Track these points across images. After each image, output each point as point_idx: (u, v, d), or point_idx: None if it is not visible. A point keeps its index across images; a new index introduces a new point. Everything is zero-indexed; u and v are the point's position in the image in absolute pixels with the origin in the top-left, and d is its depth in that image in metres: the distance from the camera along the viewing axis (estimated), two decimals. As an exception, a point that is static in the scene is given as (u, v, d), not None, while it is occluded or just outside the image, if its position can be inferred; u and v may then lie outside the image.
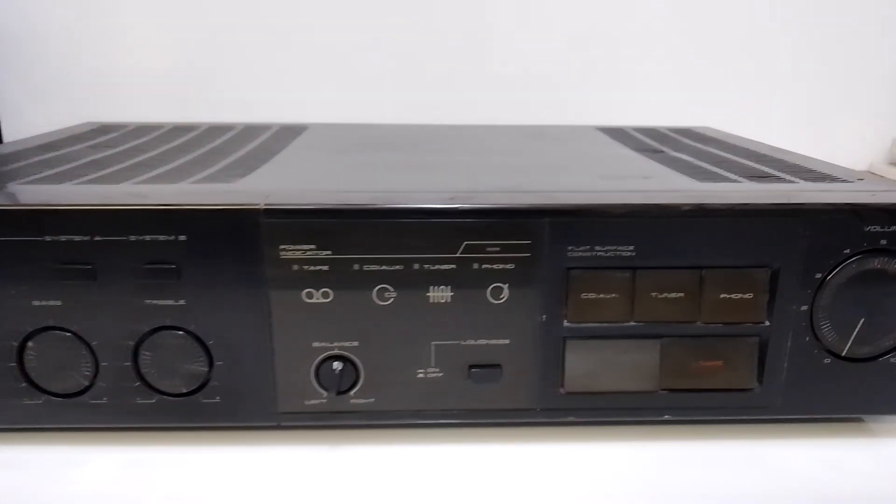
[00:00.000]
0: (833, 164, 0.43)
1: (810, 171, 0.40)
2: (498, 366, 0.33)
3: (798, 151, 0.48)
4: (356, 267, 0.31)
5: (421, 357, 0.33)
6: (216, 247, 0.30)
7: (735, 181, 0.37)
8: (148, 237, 0.30)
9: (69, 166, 0.40)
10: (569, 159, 0.45)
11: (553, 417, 0.34)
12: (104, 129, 0.56)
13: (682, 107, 0.77)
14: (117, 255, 0.30)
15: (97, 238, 0.30)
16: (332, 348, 0.32)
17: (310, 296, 0.31)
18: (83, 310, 0.31)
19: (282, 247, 0.31)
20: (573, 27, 0.72)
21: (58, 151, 0.45)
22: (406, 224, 0.31)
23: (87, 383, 0.32)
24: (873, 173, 0.81)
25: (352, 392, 0.33)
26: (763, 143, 0.52)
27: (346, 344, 0.32)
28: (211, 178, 0.36)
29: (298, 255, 0.31)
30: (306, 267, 0.31)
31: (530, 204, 0.31)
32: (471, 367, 0.33)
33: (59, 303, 0.31)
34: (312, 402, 0.33)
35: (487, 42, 0.72)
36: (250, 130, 0.56)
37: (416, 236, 0.31)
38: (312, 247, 0.31)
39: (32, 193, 0.33)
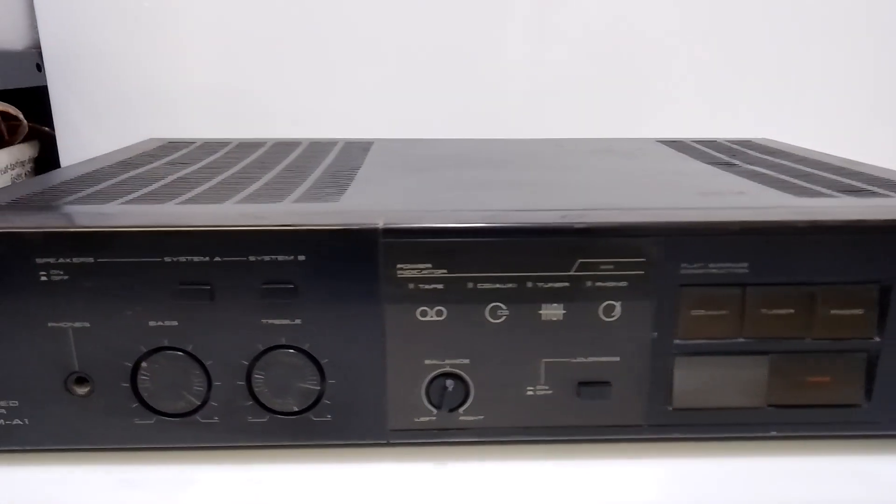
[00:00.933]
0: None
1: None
2: (607, 383, 0.33)
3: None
4: (470, 285, 0.31)
5: (531, 374, 0.33)
6: (334, 266, 0.31)
7: (830, 196, 0.37)
8: (267, 257, 0.30)
9: (158, 185, 0.40)
10: (651, 174, 0.45)
11: (661, 433, 0.34)
12: (172, 146, 0.57)
13: (716, 117, 0.77)
14: (235, 275, 0.31)
15: (217, 259, 0.30)
16: (444, 365, 0.32)
17: (424, 314, 0.32)
18: (199, 329, 0.31)
19: (399, 266, 0.31)
20: (598, 36, 0.73)
21: (138, 170, 0.46)
22: (520, 242, 0.31)
23: (198, 402, 0.32)
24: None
25: (461, 409, 0.33)
26: (831, 155, 0.52)
27: (457, 361, 0.32)
28: (310, 197, 0.37)
29: (415, 273, 0.31)
30: (422, 286, 0.31)
31: (645, 221, 0.31)
32: (580, 384, 0.33)
33: (175, 323, 0.31)
34: (422, 419, 0.33)
35: (507, 50, 0.73)
36: (317, 146, 0.57)
37: (530, 254, 0.31)
38: (428, 265, 0.31)
39: (145, 215, 0.33)
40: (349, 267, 0.31)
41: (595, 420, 0.33)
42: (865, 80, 0.77)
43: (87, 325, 0.31)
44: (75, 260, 0.30)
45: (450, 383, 0.32)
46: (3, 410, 0.32)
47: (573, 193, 0.40)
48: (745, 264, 0.31)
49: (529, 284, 0.31)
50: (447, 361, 0.32)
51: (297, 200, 0.36)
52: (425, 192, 0.40)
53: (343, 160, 0.50)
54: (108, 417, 0.32)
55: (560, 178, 0.44)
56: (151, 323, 0.31)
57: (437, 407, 0.33)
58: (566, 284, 0.31)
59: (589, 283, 0.31)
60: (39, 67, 0.72)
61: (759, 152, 0.53)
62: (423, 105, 0.73)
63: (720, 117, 0.76)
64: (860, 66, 0.77)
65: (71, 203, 0.35)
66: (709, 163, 0.49)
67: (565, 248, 0.31)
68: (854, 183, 0.40)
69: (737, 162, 0.49)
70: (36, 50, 0.71)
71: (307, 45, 0.72)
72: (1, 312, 0.31)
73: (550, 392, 0.33)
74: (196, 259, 0.30)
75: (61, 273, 0.30)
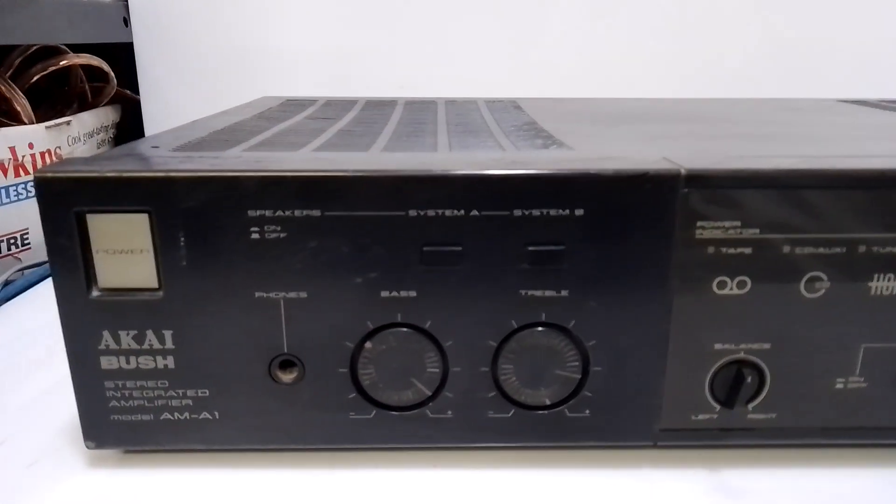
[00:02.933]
0: None
1: None
2: (939, 374, 0.26)
3: None
4: (786, 250, 0.25)
5: (845, 363, 0.26)
6: (617, 223, 0.24)
7: None
8: (536, 212, 0.24)
9: (329, 135, 0.34)
10: (890, 129, 0.38)
11: None
12: (294, 103, 0.51)
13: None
14: (494, 234, 0.24)
15: (473, 213, 0.24)
16: (737, 351, 0.26)
17: (722, 286, 0.25)
18: (442, 302, 0.25)
19: (699, 224, 0.24)
20: None
21: (285, 123, 0.39)
22: (856, 196, 0.24)
23: (429, 393, 0.26)
24: None
25: (751, 405, 0.27)
26: None
27: (755, 346, 0.26)
28: (527, 147, 0.30)
29: (718, 234, 0.24)
30: (724, 249, 0.25)
31: None
32: (905, 375, 0.26)
33: (413, 293, 0.25)
34: (701, 416, 0.27)
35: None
36: (455, 105, 0.50)
37: (865, 211, 0.24)
38: (737, 224, 0.24)
39: (379, 161, 0.27)
40: (636, 225, 0.24)
41: (917, 420, 0.27)
42: None
43: (304, 294, 0.25)
44: (298, 213, 0.24)
45: (749, 373, 0.26)
46: (190, 401, 0.26)
47: (853, 144, 0.32)
48: None
49: (862, 249, 0.25)
50: (742, 346, 0.26)
51: (522, 150, 0.30)
52: (671, 142, 0.32)
53: (508, 115, 0.43)
54: (318, 411, 0.26)
55: (800, 132, 0.36)
56: (384, 293, 0.25)
57: (724, 403, 0.26)
58: (907, 249, 0.25)
59: (936, 248, 0.25)
60: (126, 22, 0.66)
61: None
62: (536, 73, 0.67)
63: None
64: None
65: (252, 149, 0.29)
66: (936, 119, 0.42)
67: (911, 202, 0.24)
68: None
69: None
70: (123, 2, 0.65)
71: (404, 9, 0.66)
72: (196, 277, 0.25)
73: (865, 385, 0.26)
74: (448, 213, 0.24)
75: (278, 229, 0.24)
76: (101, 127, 0.67)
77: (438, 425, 0.26)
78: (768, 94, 0.60)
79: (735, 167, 0.24)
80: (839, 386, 0.26)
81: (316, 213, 0.24)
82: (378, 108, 0.48)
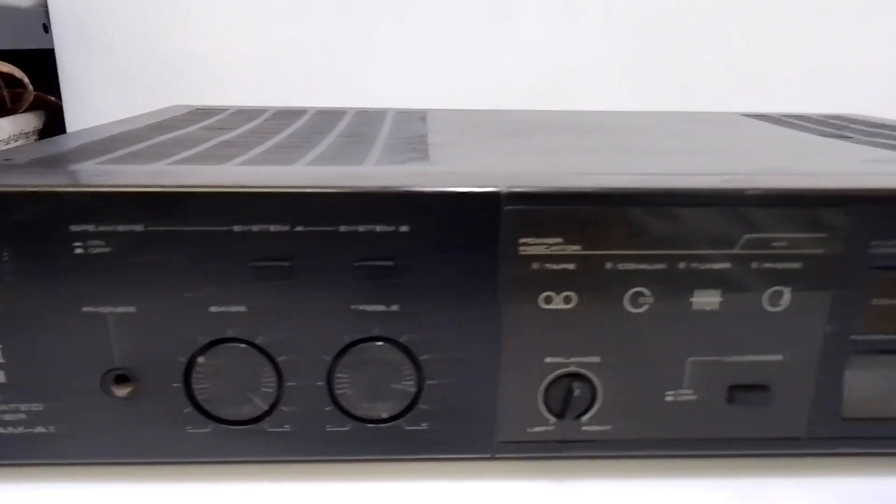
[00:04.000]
0: None
1: None
2: (765, 387, 0.27)
3: None
4: (608, 266, 0.25)
5: (672, 376, 0.27)
6: (443, 240, 0.25)
7: None
8: (363, 227, 0.24)
9: (204, 147, 0.34)
10: (782, 143, 0.39)
11: (824, 448, 0.28)
12: (203, 112, 0.51)
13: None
14: (323, 250, 0.25)
15: (299, 228, 0.24)
16: (568, 365, 0.26)
17: (548, 300, 0.26)
18: (272, 317, 0.25)
19: (522, 240, 0.25)
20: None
21: (174, 132, 0.39)
22: (675, 213, 0.25)
23: (266, 407, 0.26)
24: None
25: (584, 417, 0.27)
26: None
27: (585, 360, 0.26)
28: (392, 161, 0.30)
29: (541, 250, 0.25)
30: (549, 265, 0.25)
31: (831, 188, 0.25)
32: (732, 388, 0.27)
33: (242, 308, 0.25)
34: (537, 429, 0.27)
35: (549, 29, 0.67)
36: (366, 115, 0.50)
37: (685, 229, 0.25)
38: (559, 240, 0.25)
39: (210, 174, 0.27)
40: (462, 241, 0.25)
41: (747, 431, 0.27)
42: None
43: (133, 310, 0.25)
44: (121, 228, 0.24)
45: (577, 386, 0.26)
46: (24, 415, 0.26)
47: (715, 159, 0.33)
48: (949, 243, 0.26)
49: (682, 265, 0.25)
50: (573, 360, 0.26)
51: (379, 164, 0.30)
52: (536, 156, 0.33)
53: (403, 127, 0.44)
54: (154, 425, 0.26)
55: (681, 146, 0.37)
56: (213, 308, 0.25)
57: (558, 415, 0.27)
58: (727, 266, 0.25)
59: (754, 265, 0.25)
60: (46, 28, 0.65)
61: (866, 125, 0.48)
62: (473, 78, 0.67)
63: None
64: None
65: (107, 162, 0.29)
66: (819, 135, 0.43)
67: (730, 220, 0.25)
68: None
69: (850, 134, 0.43)
70: (43, 8, 0.65)
71: (347, 12, 0.66)
72: (23, 294, 0.25)
73: (694, 398, 0.27)
74: (274, 228, 0.24)
75: (102, 244, 0.24)
76: (21, 133, 0.66)
77: (277, 439, 0.27)
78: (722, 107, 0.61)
79: (553, 186, 0.25)
80: (669, 398, 0.27)
81: (139, 228, 0.24)
82: (283, 118, 0.48)
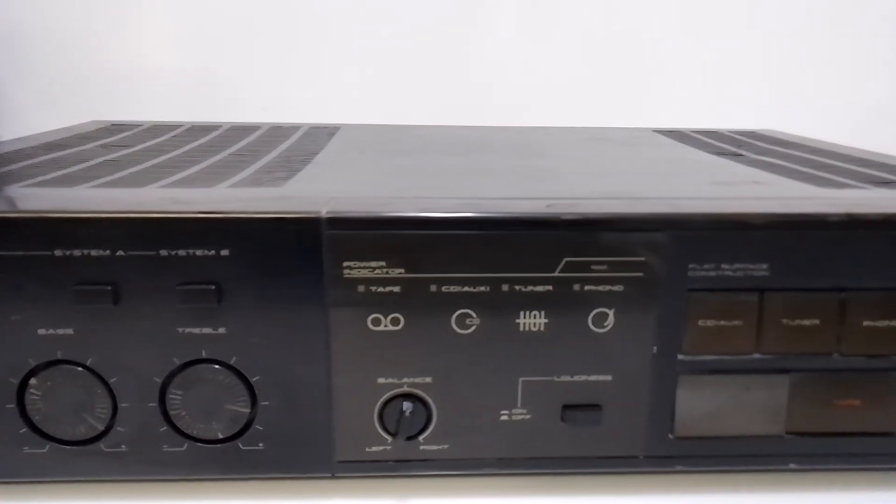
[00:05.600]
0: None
1: (931, 176, 0.35)
2: (597, 406, 0.27)
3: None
4: (433, 288, 0.26)
5: (506, 396, 0.27)
6: (265, 264, 0.25)
7: (862, 188, 0.32)
8: (182, 252, 0.25)
9: (80, 167, 0.34)
10: (651, 163, 0.40)
11: (659, 466, 0.28)
12: (116, 128, 0.51)
13: (724, 110, 0.72)
14: (145, 274, 0.25)
15: (120, 252, 0.25)
16: (401, 385, 0.27)
17: (377, 322, 0.26)
18: (100, 340, 0.26)
19: (346, 264, 0.25)
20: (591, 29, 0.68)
21: (65, 151, 0.40)
22: (495, 237, 0.25)
23: (101, 428, 0.27)
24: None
25: (422, 437, 0.28)
26: (846, 146, 0.47)
27: (418, 380, 0.27)
28: (250, 182, 0.31)
29: (366, 273, 0.25)
30: (374, 288, 0.26)
31: (647, 213, 0.26)
32: (565, 407, 0.27)
33: (70, 331, 0.25)
34: (375, 448, 0.27)
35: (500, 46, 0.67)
36: (278, 131, 0.51)
37: (506, 252, 0.26)
38: (382, 264, 0.25)
39: (40, 198, 0.27)
40: (285, 265, 0.25)
41: (582, 450, 0.28)
42: (875, 73, 0.73)
43: (-39, 332, 0.25)
44: (-58, 252, 0.24)
45: (407, 406, 0.27)
46: None
47: (562, 182, 0.34)
48: (766, 265, 0.26)
49: (505, 288, 0.26)
50: (405, 380, 0.27)
51: (235, 185, 0.30)
52: (388, 179, 0.34)
53: (303, 144, 0.44)
54: (-10, 445, 0.27)
55: (547, 166, 0.38)
56: (41, 331, 0.25)
57: (393, 434, 0.27)
58: (549, 288, 0.26)
59: (577, 287, 0.26)
60: (-22, 43, 0.65)
61: (767, 143, 0.48)
62: (405, 95, 0.68)
63: (719, 110, 0.71)
64: (864, 61, 0.73)
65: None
66: (713, 153, 0.44)
67: (549, 243, 0.26)
68: (882, 174, 0.35)
69: (744, 152, 0.44)
70: (-26, 23, 0.65)
71: (276, 24, 0.67)
72: None
73: (529, 417, 0.27)
74: (95, 253, 0.25)
75: (-75, 269, 0.25)
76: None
77: (114, 459, 0.27)
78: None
79: (370, 211, 0.25)
80: (504, 418, 0.27)
81: (-39, 252, 0.24)
82: (191, 135, 0.48)
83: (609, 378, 0.27)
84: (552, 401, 0.27)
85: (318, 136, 0.48)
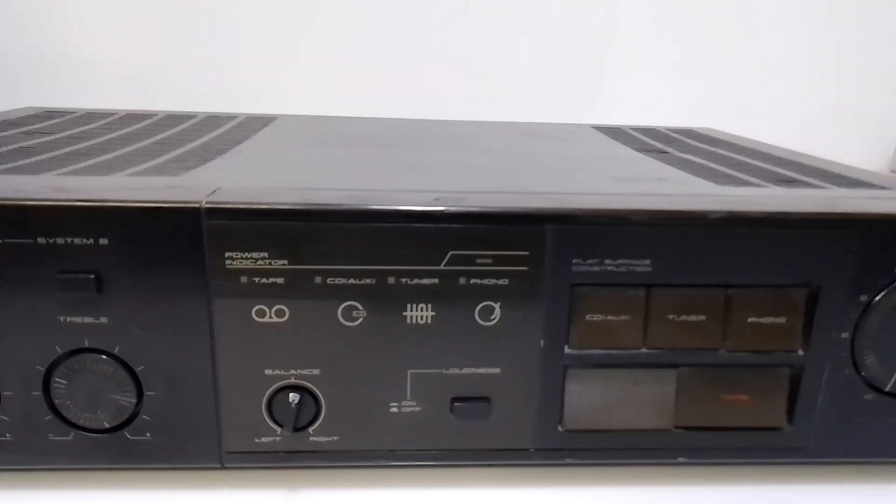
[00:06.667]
0: (860, 169, 0.38)
1: (839, 175, 0.36)
2: (486, 399, 0.28)
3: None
4: (318, 280, 0.26)
5: (395, 388, 0.27)
6: (146, 253, 0.25)
7: (760, 185, 0.32)
8: (61, 240, 0.25)
9: (-12, 154, 0.34)
10: (569, 159, 0.40)
11: (550, 459, 0.29)
12: (47, 114, 0.50)
13: (680, 108, 0.73)
14: (24, 262, 0.25)
15: (-3, 240, 0.25)
16: (288, 377, 0.27)
17: (261, 314, 0.26)
18: (-19, 328, 0.25)
19: (227, 254, 0.25)
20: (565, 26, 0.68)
21: (-17, 138, 0.39)
22: (380, 230, 0.25)
23: (-13, 416, 0.27)
24: None
25: (311, 428, 0.28)
26: (774, 146, 0.48)
27: (305, 372, 0.27)
28: (154, 171, 0.31)
29: (248, 264, 0.25)
30: (257, 279, 0.26)
31: (529, 208, 0.26)
32: (454, 400, 0.27)
33: (-51, 319, 0.25)
34: (265, 439, 0.27)
35: (471, 39, 0.68)
36: (213, 120, 0.51)
37: (391, 245, 0.26)
38: (264, 255, 0.25)
39: None
40: (166, 255, 0.25)
41: (473, 443, 0.28)
42: (836, 78, 0.74)
43: None
44: None
45: (294, 397, 0.27)
46: None
47: (465, 176, 0.34)
48: (648, 261, 0.26)
49: (391, 280, 0.26)
50: (293, 372, 0.27)
51: (137, 174, 0.30)
52: (296, 170, 0.34)
53: (231, 134, 0.44)
54: None
55: (461, 160, 0.38)
56: (-83, 319, 0.25)
57: (282, 426, 0.27)
58: (435, 281, 0.26)
59: (462, 280, 0.26)
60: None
61: (698, 141, 0.49)
62: (354, 89, 0.68)
63: (681, 109, 0.72)
64: (830, 65, 0.74)
65: None
66: (639, 149, 0.44)
67: (434, 237, 0.26)
68: (790, 174, 0.36)
69: (670, 149, 0.44)
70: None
71: (228, 12, 0.66)
72: None
73: (419, 409, 0.28)
74: (-31, 241, 0.24)
75: None
76: None
77: (1, 448, 0.27)
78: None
79: (251, 201, 0.25)
80: (394, 410, 0.28)
81: None
82: (124, 122, 0.48)
83: (497, 371, 0.27)
84: (441, 393, 0.27)
85: (251, 127, 0.48)
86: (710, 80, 0.72)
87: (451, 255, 0.26)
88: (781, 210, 0.26)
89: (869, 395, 0.28)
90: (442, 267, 0.26)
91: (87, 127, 0.45)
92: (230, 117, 0.52)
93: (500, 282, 0.26)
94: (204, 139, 0.42)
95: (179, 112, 0.54)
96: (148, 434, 0.27)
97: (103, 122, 0.48)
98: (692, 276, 0.27)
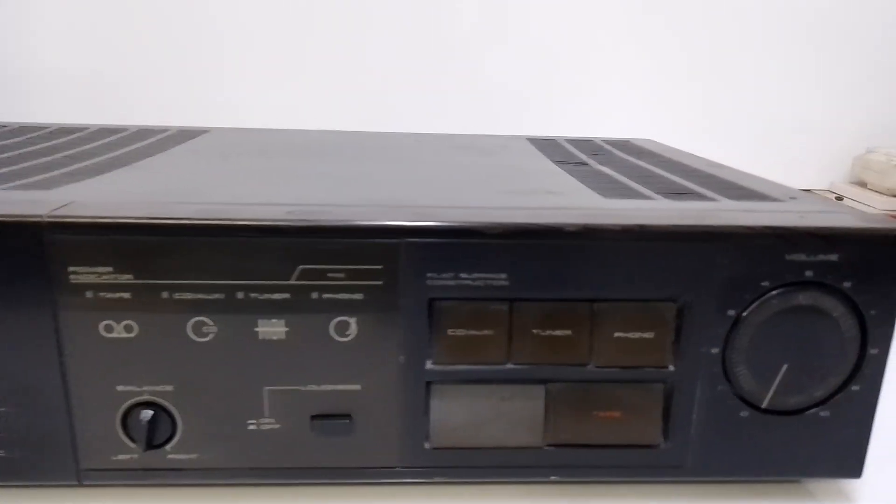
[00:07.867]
0: (771, 182, 0.38)
1: (740, 188, 0.35)
2: (347, 416, 0.27)
3: (750, 171, 0.43)
4: (165, 295, 0.25)
5: (252, 405, 0.27)
6: (-11, 267, 0.25)
7: (648, 198, 0.32)
8: None
9: None
10: (478, 171, 0.40)
11: (416, 477, 0.28)
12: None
13: (650, 121, 0.73)
14: None
15: None
16: (141, 393, 0.26)
17: (109, 329, 0.26)
18: None
19: (71, 269, 0.25)
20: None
21: None
22: (226, 243, 0.25)
23: None
24: (822, 192, 0.77)
25: (168, 446, 0.27)
26: (702, 158, 0.47)
27: (159, 388, 0.26)
28: (32, 185, 0.30)
29: (92, 279, 0.25)
30: (102, 294, 0.25)
31: (381, 222, 0.25)
32: (314, 417, 0.27)
33: None
34: (122, 456, 0.27)
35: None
36: (143, 133, 0.51)
37: (240, 259, 0.25)
38: (109, 269, 0.25)
39: None
40: (9, 269, 0.25)
41: (336, 460, 0.27)
42: (794, 92, 0.74)
43: None
44: None
45: (146, 414, 0.26)
46: None
47: (347, 188, 0.33)
48: (504, 275, 0.26)
49: (241, 295, 0.25)
50: (145, 388, 0.26)
51: (10, 189, 0.30)
52: (175, 184, 0.34)
53: (149, 148, 0.44)
54: None
55: (365, 172, 0.38)
56: None
57: (139, 443, 0.27)
58: (287, 296, 0.26)
59: (315, 295, 0.26)
60: None
61: (626, 153, 0.48)
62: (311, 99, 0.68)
63: (647, 124, 0.72)
64: (788, 79, 0.73)
65: None
66: (558, 161, 0.43)
67: (282, 250, 0.25)
68: (690, 185, 0.35)
69: (591, 161, 0.44)
70: None
71: (172, 28, 0.66)
72: None
73: (278, 426, 0.27)
74: None
75: None
76: None
77: None
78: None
79: (92, 216, 0.25)
80: (252, 427, 0.27)
81: None
82: (51, 136, 0.48)
83: (358, 387, 0.27)
84: (300, 410, 0.27)
85: (174, 140, 0.48)
86: (678, 95, 0.72)
87: (301, 269, 0.25)
88: (639, 223, 0.26)
89: (745, 412, 0.28)
90: (293, 282, 0.25)
91: (4, 142, 0.45)
92: (161, 130, 0.52)
93: (355, 296, 0.26)
94: (116, 153, 0.41)
95: (110, 125, 0.54)
96: (2, 451, 0.27)
97: (28, 136, 0.48)
98: (555, 291, 0.26)
